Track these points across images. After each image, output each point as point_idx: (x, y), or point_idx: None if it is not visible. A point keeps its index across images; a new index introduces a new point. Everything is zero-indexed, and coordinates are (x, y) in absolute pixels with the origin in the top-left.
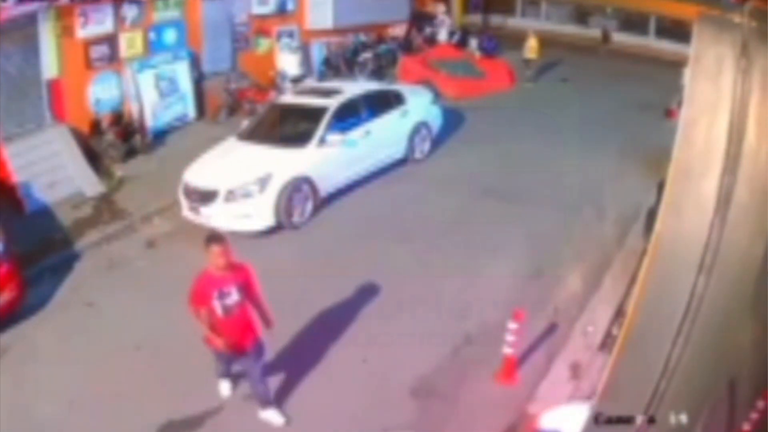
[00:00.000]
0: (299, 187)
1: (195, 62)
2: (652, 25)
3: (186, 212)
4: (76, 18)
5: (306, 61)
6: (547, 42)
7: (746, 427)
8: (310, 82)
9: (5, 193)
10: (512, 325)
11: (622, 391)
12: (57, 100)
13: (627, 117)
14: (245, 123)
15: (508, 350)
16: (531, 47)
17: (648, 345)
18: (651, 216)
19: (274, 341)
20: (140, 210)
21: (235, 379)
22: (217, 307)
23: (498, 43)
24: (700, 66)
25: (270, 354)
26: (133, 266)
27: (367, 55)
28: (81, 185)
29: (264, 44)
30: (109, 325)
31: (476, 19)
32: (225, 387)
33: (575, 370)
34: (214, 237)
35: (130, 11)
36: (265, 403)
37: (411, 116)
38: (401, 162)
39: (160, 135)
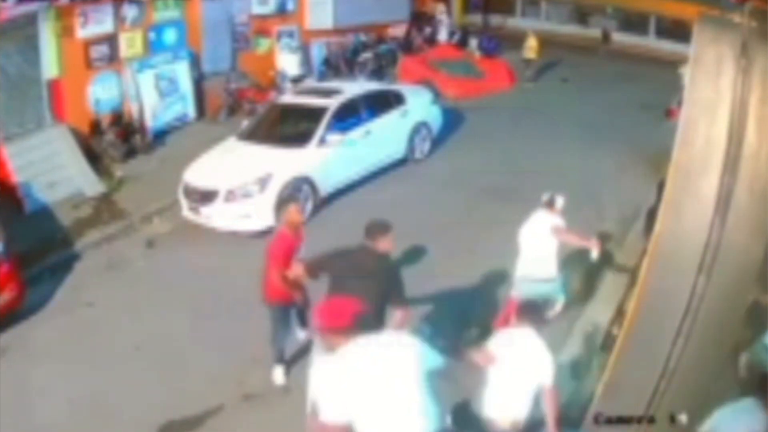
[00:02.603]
0: (299, 187)
1: (195, 62)
2: (652, 25)
3: (186, 212)
4: (76, 18)
5: (306, 61)
6: (547, 42)
7: None
8: (310, 82)
9: (5, 193)
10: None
11: (622, 391)
12: (57, 100)
13: (627, 117)
14: (245, 123)
15: None
16: (531, 47)
17: (648, 345)
18: (651, 216)
19: None
20: (140, 210)
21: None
22: (294, 263)
23: (498, 43)
24: (700, 66)
25: (270, 354)
26: (133, 266)
27: (367, 55)
28: (81, 185)
29: (264, 44)
30: (108, 325)
31: (476, 19)
32: (279, 374)
33: (575, 370)
34: (290, 197)
35: (130, 11)
36: (278, 359)
37: (411, 116)
38: (401, 162)
39: (160, 135)
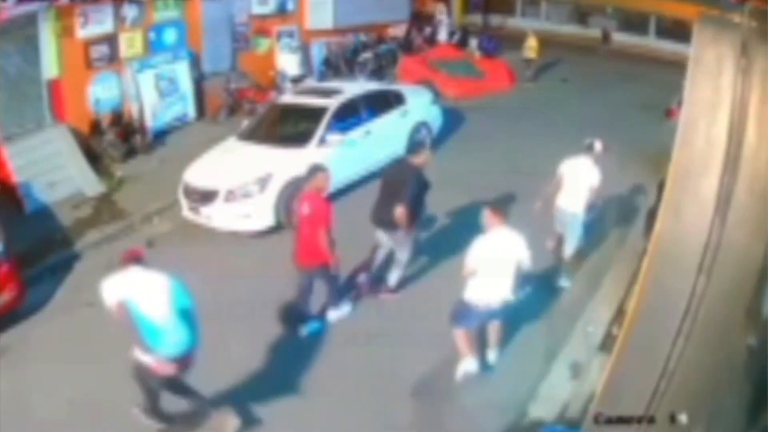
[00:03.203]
0: (299, 187)
1: (195, 62)
2: (652, 25)
3: (186, 212)
4: (76, 18)
5: (306, 61)
6: (547, 42)
7: None
8: (310, 82)
9: (5, 193)
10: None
11: (622, 391)
12: (57, 100)
13: (627, 117)
14: (245, 123)
15: None
16: (531, 47)
17: (648, 345)
18: (651, 216)
19: (274, 341)
20: (140, 210)
21: None
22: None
23: (498, 43)
24: (700, 66)
25: (269, 354)
26: None
27: (367, 55)
28: (81, 185)
29: (264, 44)
30: (108, 325)
31: (476, 19)
32: (304, 329)
33: (575, 370)
34: (319, 166)
35: (130, 11)
36: (301, 317)
37: (411, 116)
38: None
39: (160, 135)
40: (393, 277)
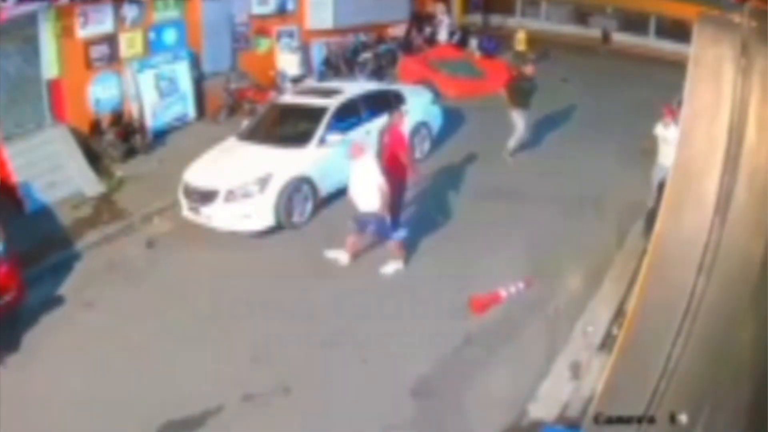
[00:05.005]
0: (299, 187)
1: (195, 62)
2: (652, 25)
3: (186, 212)
4: (76, 18)
5: (306, 61)
6: (547, 42)
7: None
8: (310, 82)
9: (5, 193)
10: (520, 284)
11: (622, 391)
12: (57, 100)
13: (627, 117)
14: (245, 123)
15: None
16: (520, 39)
17: (648, 345)
18: (651, 216)
19: (275, 341)
20: (140, 210)
21: None
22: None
23: (498, 43)
24: (700, 66)
25: (270, 354)
26: (133, 266)
27: (367, 55)
28: (81, 185)
29: (264, 44)
30: (108, 325)
31: (476, 19)
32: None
33: (575, 370)
34: (395, 108)
35: (130, 11)
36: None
37: (411, 116)
38: None
39: (160, 135)
40: (511, 142)
